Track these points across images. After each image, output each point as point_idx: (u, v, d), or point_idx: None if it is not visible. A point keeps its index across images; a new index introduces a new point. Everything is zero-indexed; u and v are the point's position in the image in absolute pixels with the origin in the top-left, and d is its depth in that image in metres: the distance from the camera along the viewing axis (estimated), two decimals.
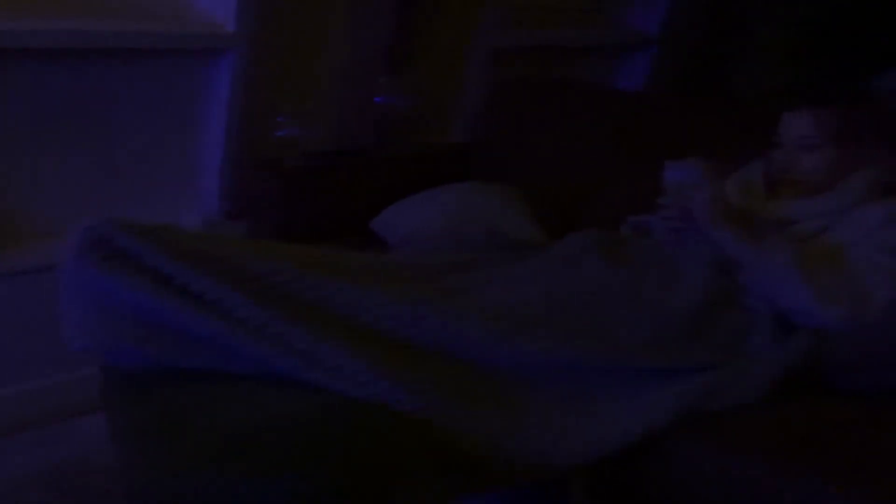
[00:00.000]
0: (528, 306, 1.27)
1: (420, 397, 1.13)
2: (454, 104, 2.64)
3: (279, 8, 2.06)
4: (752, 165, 1.70)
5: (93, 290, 1.15)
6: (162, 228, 1.21)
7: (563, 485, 1.26)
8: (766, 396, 1.23)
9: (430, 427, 1.12)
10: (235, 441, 1.01)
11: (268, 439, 1.02)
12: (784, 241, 1.44)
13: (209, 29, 1.98)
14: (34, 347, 1.81)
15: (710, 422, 1.18)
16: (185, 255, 1.16)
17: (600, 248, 1.49)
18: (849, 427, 1.17)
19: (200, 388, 1.12)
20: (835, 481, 1.09)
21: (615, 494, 1.25)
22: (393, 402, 1.12)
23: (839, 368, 1.28)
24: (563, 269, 1.42)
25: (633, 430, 1.16)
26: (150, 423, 1.09)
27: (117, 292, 1.14)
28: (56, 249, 1.24)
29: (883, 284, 1.33)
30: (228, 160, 2.07)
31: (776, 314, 1.38)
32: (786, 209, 1.56)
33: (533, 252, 1.55)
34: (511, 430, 1.16)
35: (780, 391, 1.24)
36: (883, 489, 1.08)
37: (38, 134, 1.81)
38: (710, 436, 1.17)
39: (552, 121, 2.13)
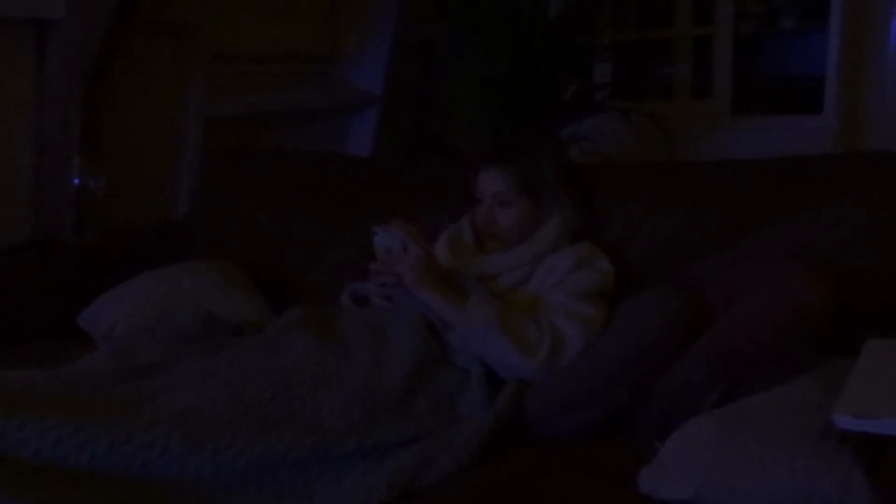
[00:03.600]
0: (217, 407, 1.18)
1: None
2: (173, 179, 2.50)
3: None
4: (462, 222, 1.75)
5: None
6: None
7: None
8: (479, 455, 1.23)
9: None
10: None
11: None
12: (487, 296, 1.48)
13: None
14: None
15: (425, 494, 1.16)
16: None
17: (309, 325, 1.44)
18: (551, 475, 1.20)
19: None
20: None
21: None
22: None
23: (541, 415, 1.32)
24: (265, 354, 1.35)
25: None
26: None
27: None
28: None
29: (576, 329, 1.40)
30: None
31: (486, 371, 1.41)
32: (489, 264, 1.61)
33: (241, 338, 1.47)
34: None
35: (491, 446, 1.25)
36: None
37: None
38: None
39: (268, 190, 2.06)
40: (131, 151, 2.35)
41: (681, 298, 1.42)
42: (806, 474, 0.95)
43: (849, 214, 1.54)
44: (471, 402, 1.35)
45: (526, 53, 2.31)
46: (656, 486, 1.05)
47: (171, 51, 2.46)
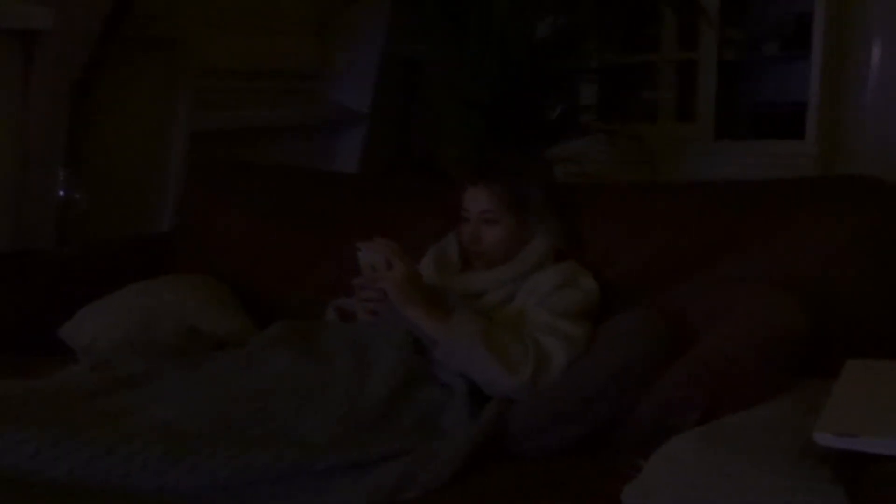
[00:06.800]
0: (198, 420, 1.18)
1: None
2: (159, 193, 2.50)
3: None
4: (448, 239, 1.75)
5: None
6: None
7: None
8: (460, 472, 1.23)
9: None
10: None
11: None
12: (471, 313, 1.48)
13: None
14: None
15: None
16: None
17: (291, 341, 1.44)
18: (533, 493, 1.19)
19: None
20: None
21: None
22: None
23: (523, 433, 1.32)
24: (246, 369, 1.35)
25: None
26: None
27: None
28: None
29: (560, 346, 1.41)
30: None
31: (470, 387, 1.40)
32: (475, 281, 1.61)
33: (223, 353, 1.46)
34: None
35: (473, 463, 1.25)
36: None
37: None
38: None
39: (252, 205, 2.06)
40: (117, 164, 2.34)
41: (663, 319, 1.44)
42: (785, 493, 0.95)
43: (826, 237, 1.56)
44: (454, 419, 1.34)
45: (512, 75, 2.33)
46: (639, 502, 1.05)
47: (159, 65, 2.46)
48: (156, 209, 2.43)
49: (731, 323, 1.37)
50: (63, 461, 1.06)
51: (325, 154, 3.19)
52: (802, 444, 1.02)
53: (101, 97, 2.18)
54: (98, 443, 1.08)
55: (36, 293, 1.89)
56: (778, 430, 1.08)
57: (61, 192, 2.00)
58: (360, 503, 1.13)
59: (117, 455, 1.09)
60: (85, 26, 1.95)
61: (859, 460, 0.98)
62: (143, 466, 1.09)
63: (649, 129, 3.14)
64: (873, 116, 3.05)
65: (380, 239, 1.55)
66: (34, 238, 2.06)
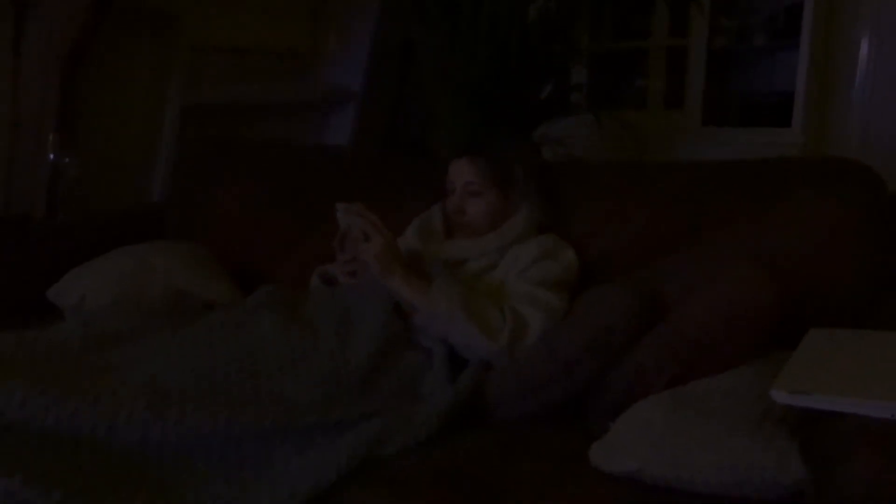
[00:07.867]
0: (183, 378, 1.20)
1: (56, 493, 1.01)
2: (150, 166, 2.52)
3: None
4: (433, 210, 1.78)
5: None
6: None
7: None
8: (436, 432, 1.26)
9: None
10: None
11: None
12: (451, 280, 1.51)
13: None
14: None
15: (381, 467, 1.18)
16: None
17: (276, 305, 1.47)
18: (508, 456, 1.22)
19: None
20: None
21: None
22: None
23: (500, 399, 1.35)
24: (233, 331, 1.37)
25: (302, 489, 1.12)
26: None
27: None
28: None
29: (538, 315, 1.44)
30: None
31: (449, 351, 1.44)
32: (456, 249, 1.64)
33: (211, 313, 1.48)
34: None
35: (449, 425, 1.28)
36: None
37: None
38: (382, 483, 1.16)
39: (241, 180, 2.08)
40: (109, 137, 2.36)
41: (638, 291, 1.47)
42: (744, 450, 0.99)
43: (811, 217, 1.57)
44: (433, 383, 1.37)
45: (503, 56, 2.35)
46: (605, 459, 1.09)
47: (153, 40, 2.48)
48: (146, 181, 2.45)
49: (704, 295, 1.40)
50: (50, 411, 1.08)
51: (316, 133, 3.21)
52: (764, 408, 1.05)
53: (95, 69, 2.19)
54: (84, 395, 1.10)
55: (23, 259, 1.90)
56: (741, 395, 1.12)
57: (52, 158, 2.01)
58: (340, 460, 1.15)
59: (103, 406, 1.12)
60: None
61: (817, 421, 1.01)
62: (128, 419, 1.12)
63: (638, 114, 3.17)
64: (860, 106, 3.08)
65: (359, 205, 1.56)
66: (25, 205, 2.07)
